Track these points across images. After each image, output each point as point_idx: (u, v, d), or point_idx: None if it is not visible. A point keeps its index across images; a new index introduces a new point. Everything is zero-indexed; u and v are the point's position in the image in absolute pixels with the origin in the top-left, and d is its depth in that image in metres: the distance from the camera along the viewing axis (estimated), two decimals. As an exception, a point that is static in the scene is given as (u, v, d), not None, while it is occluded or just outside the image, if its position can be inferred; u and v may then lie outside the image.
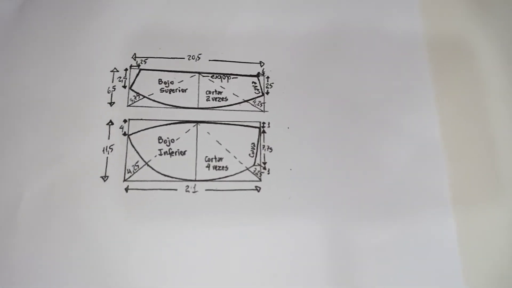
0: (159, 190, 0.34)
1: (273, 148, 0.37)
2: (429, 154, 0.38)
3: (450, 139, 0.38)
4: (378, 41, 0.40)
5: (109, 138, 0.35)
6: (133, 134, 0.36)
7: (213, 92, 0.38)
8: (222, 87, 0.38)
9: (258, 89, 0.38)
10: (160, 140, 0.36)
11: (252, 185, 0.36)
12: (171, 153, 0.35)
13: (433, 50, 0.41)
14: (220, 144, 0.36)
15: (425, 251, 0.35)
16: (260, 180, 0.36)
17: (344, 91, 0.39)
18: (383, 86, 0.39)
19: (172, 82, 0.37)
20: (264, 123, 0.37)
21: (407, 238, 0.36)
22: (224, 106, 0.37)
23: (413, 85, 0.40)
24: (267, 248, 0.34)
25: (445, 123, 0.39)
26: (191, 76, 0.38)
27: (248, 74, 0.39)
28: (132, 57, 0.38)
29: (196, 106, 0.37)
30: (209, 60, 0.38)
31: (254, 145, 0.37)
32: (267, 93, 0.38)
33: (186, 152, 0.36)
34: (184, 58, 0.38)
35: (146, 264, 0.33)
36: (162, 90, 0.37)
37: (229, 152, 0.36)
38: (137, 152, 0.35)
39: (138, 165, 0.35)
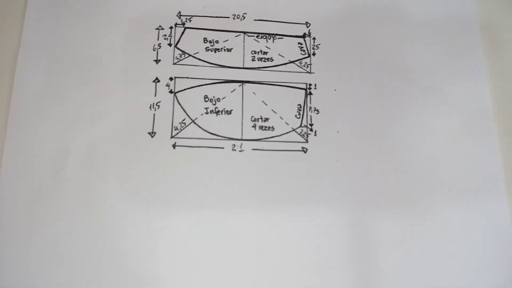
0: (206, 148, 0.34)
1: (319, 110, 0.36)
2: (479, 126, 0.36)
3: (502, 113, 0.37)
4: (430, 7, 0.39)
5: (155, 95, 0.35)
6: (179, 92, 0.35)
7: (258, 52, 0.37)
8: (267, 47, 0.37)
9: (304, 50, 0.37)
10: (206, 99, 0.35)
11: (298, 146, 0.35)
12: (217, 112, 0.35)
13: (485, 25, 0.39)
14: (266, 105, 0.36)
15: (475, 238, 0.34)
16: (307, 141, 0.35)
17: (391, 55, 0.38)
18: (432, 52, 0.38)
19: (217, 41, 0.37)
20: (310, 84, 0.37)
21: (454, 225, 0.34)
22: (270, 66, 0.37)
23: (463, 55, 0.38)
24: (309, 209, 0.34)
25: (497, 96, 0.37)
26: (236, 36, 0.37)
27: (294, 34, 0.38)
28: (177, 15, 0.37)
29: (241, 66, 0.36)
30: (254, 20, 0.38)
31: (301, 107, 0.36)
32: (314, 54, 0.37)
33: (232, 111, 0.35)
34: (229, 18, 0.37)
35: (193, 219, 0.32)
36: (207, 49, 0.36)
37: (275, 112, 0.36)
38: (183, 110, 0.35)
39: (185, 123, 0.34)
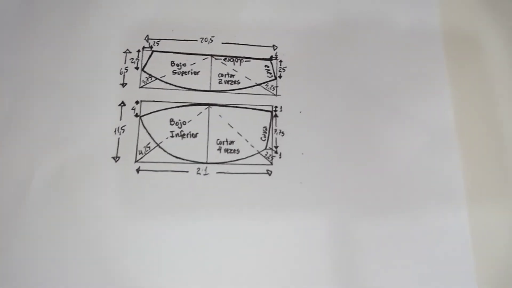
0: (170, 172, 0.34)
1: (285, 132, 0.36)
2: (442, 143, 0.37)
3: (464, 128, 0.38)
4: (392, 28, 0.40)
5: (121, 119, 0.35)
6: (145, 116, 0.36)
7: (225, 75, 0.37)
8: (234, 70, 0.38)
9: (270, 73, 0.38)
10: (172, 122, 0.36)
11: (263, 169, 0.35)
12: (182, 135, 0.35)
13: (448, 40, 0.40)
14: (232, 127, 0.36)
15: (436, 245, 0.35)
16: (272, 164, 0.36)
17: (356, 77, 0.38)
18: (396, 73, 0.39)
19: (184, 65, 0.37)
20: (276, 107, 0.37)
21: (418, 232, 0.35)
22: (237, 89, 0.37)
23: (427, 73, 0.39)
24: (276, 233, 0.34)
25: (459, 113, 0.38)
26: (204, 59, 0.38)
27: (261, 57, 0.38)
28: (144, 39, 0.37)
29: (208, 89, 0.37)
30: (222, 43, 0.38)
31: (266, 129, 0.36)
32: (280, 77, 0.38)
33: (197, 135, 0.36)
34: (196, 41, 0.38)
35: (156, 245, 0.33)
36: (174, 72, 0.37)
37: (240, 135, 0.36)
38: (148, 133, 0.35)
39: (149, 147, 0.35)
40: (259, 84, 0.37)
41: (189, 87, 0.37)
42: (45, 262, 0.32)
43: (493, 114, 0.38)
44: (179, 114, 0.36)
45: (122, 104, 0.35)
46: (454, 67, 0.39)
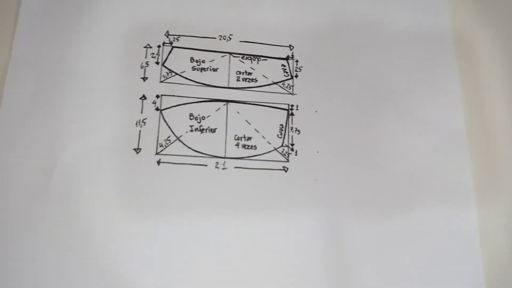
0: (189, 165, 0.35)
1: (300, 131, 0.37)
2: (453, 144, 0.39)
3: (474, 131, 0.39)
4: (406, 31, 0.41)
5: (142, 112, 0.36)
6: (165, 110, 0.36)
7: (243, 72, 0.38)
8: (252, 68, 0.38)
9: (287, 72, 0.39)
10: (191, 117, 0.36)
11: (280, 165, 0.36)
12: (201, 130, 0.36)
13: (459, 42, 0.41)
14: (250, 124, 0.37)
15: (445, 244, 0.36)
16: (288, 160, 0.36)
17: (370, 78, 0.40)
18: (409, 75, 0.40)
19: (203, 61, 0.38)
20: (292, 105, 0.38)
21: (427, 231, 0.36)
22: (254, 87, 0.38)
23: (438, 75, 0.40)
24: (289, 227, 0.35)
25: (470, 115, 0.40)
26: (222, 56, 0.38)
27: (278, 57, 0.39)
28: (165, 34, 0.38)
29: (226, 86, 0.38)
30: (240, 41, 0.39)
31: (283, 127, 0.37)
32: (296, 76, 0.39)
33: (216, 130, 0.36)
34: (215, 38, 0.39)
35: (175, 233, 0.33)
36: (194, 68, 0.38)
37: (258, 132, 0.37)
38: (169, 127, 0.36)
39: (169, 140, 0.35)
40: (276, 83, 0.38)
41: (208, 83, 0.37)
42: (65, 252, 0.32)
43: (504, 117, 0.40)
44: (198, 109, 0.37)
45: (143, 98, 0.36)
46: (465, 69, 0.41)
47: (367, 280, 0.35)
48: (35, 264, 0.31)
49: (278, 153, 0.37)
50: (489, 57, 0.41)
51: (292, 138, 0.37)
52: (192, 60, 0.38)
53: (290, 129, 0.37)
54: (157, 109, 0.36)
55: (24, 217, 0.32)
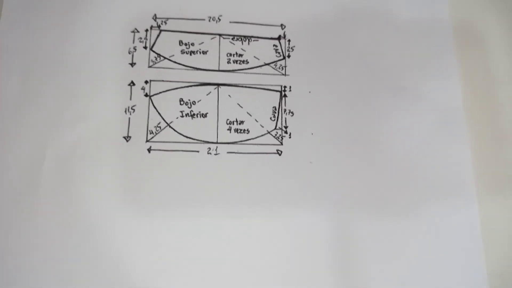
0: (181, 152, 0.34)
1: (294, 112, 0.37)
2: (452, 124, 0.37)
3: (472, 109, 0.38)
4: (402, 8, 0.40)
5: (131, 99, 0.35)
6: (155, 96, 0.35)
7: (233, 54, 0.37)
8: (243, 49, 0.37)
9: (279, 53, 0.38)
10: (182, 102, 0.36)
11: (273, 149, 0.36)
12: (192, 115, 0.35)
13: (458, 23, 0.40)
14: (242, 107, 0.36)
15: (446, 238, 0.35)
16: (282, 144, 0.36)
17: (365, 56, 0.39)
18: (406, 53, 0.39)
19: (192, 44, 0.37)
20: (285, 87, 0.37)
21: (426, 225, 0.36)
22: (245, 69, 0.37)
23: (436, 54, 0.39)
24: (285, 212, 0.34)
25: (468, 93, 0.38)
26: (212, 38, 0.37)
27: (270, 37, 0.38)
28: (152, 18, 0.37)
29: (217, 69, 0.37)
30: (230, 22, 0.38)
31: (276, 109, 0.36)
32: (289, 56, 0.38)
33: (207, 115, 0.36)
34: (204, 20, 0.38)
35: (167, 224, 0.33)
36: (183, 52, 0.37)
37: (250, 115, 0.36)
38: (158, 113, 0.35)
39: (160, 126, 0.35)
40: (268, 64, 0.37)
41: (197, 67, 0.36)
42: (57, 241, 0.32)
43: (502, 99, 0.39)
44: (188, 94, 0.36)
45: (131, 84, 0.35)
46: (463, 51, 0.40)
47: (364, 273, 0.34)
48: (26, 257, 0.31)
49: (272, 136, 0.36)
50: (487, 38, 0.40)
51: (285, 121, 0.36)
52: (181, 43, 0.37)
53: (283, 111, 0.36)
54: (146, 95, 0.35)
55: (15, 209, 0.32)
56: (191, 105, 0.35)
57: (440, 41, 0.39)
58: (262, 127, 0.36)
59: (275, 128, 0.36)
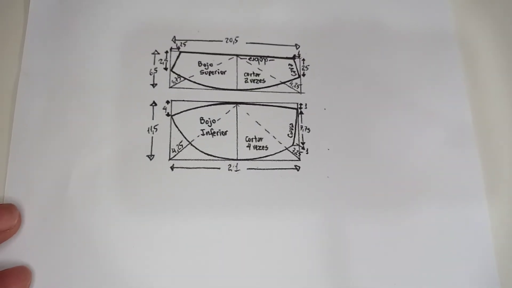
0: (203, 169, 0.35)
1: (310, 129, 0.38)
2: (461, 138, 0.39)
3: (481, 124, 0.39)
4: (411, 28, 0.41)
5: (153, 119, 0.36)
6: (176, 115, 0.37)
7: (251, 74, 0.38)
8: (259, 69, 0.39)
9: (294, 71, 0.39)
10: (202, 121, 0.37)
11: (292, 164, 0.37)
12: (213, 133, 0.36)
13: (463, 38, 0.42)
14: (260, 125, 0.37)
15: (457, 242, 0.36)
16: (299, 159, 0.37)
17: (377, 73, 0.40)
18: (414, 70, 0.40)
19: (211, 64, 0.38)
20: (301, 104, 0.38)
21: (438, 228, 0.37)
22: (262, 87, 0.38)
23: (443, 69, 0.41)
24: (303, 226, 0.35)
25: (476, 109, 0.40)
26: (229, 59, 0.39)
27: (285, 56, 0.39)
28: (172, 40, 0.38)
29: (235, 88, 0.38)
30: (246, 43, 0.39)
31: (292, 126, 0.38)
32: (303, 75, 0.39)
33: (227, 132, 0.37)
34: (222, 41, 0.39)
35: (192, 237, 0.34)
36: (202, 72, 0.38)
37: (268, 132, 0.37)
38: (180, 132, 0.36)
39: (182, 145, 0.36)
40: (284, 82, 0.39)
41: (216, 87, 0.38)
42: (84, 259, 0.33)
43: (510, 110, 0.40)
44: (208, 113, 0.37)
45: (153, 104, 0.36)
46: (469, 65, 0.41)
47: (379, 279, 0.35)
48: (53, 272, 0.32)
49: (290, 152, 0.37)
50: (494, 51, 0.41)
51: (302, 137, 0.37)
52: (200, 64, 0.38)
53: (300, 128, 0.37)
54: (167, 114, 0.36)
55: (41, 228, 0.33)
56: (211, 123, 0.37)
57: (447, 57, 0.41)
58: (280, 143, 0.37)
59: (293, 144, 0.37)
